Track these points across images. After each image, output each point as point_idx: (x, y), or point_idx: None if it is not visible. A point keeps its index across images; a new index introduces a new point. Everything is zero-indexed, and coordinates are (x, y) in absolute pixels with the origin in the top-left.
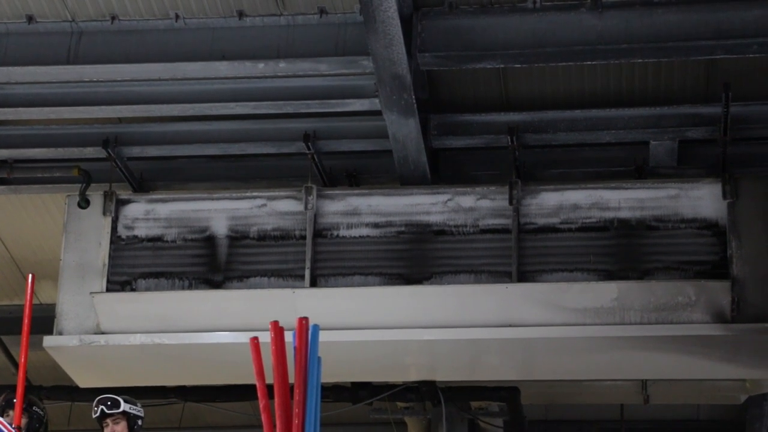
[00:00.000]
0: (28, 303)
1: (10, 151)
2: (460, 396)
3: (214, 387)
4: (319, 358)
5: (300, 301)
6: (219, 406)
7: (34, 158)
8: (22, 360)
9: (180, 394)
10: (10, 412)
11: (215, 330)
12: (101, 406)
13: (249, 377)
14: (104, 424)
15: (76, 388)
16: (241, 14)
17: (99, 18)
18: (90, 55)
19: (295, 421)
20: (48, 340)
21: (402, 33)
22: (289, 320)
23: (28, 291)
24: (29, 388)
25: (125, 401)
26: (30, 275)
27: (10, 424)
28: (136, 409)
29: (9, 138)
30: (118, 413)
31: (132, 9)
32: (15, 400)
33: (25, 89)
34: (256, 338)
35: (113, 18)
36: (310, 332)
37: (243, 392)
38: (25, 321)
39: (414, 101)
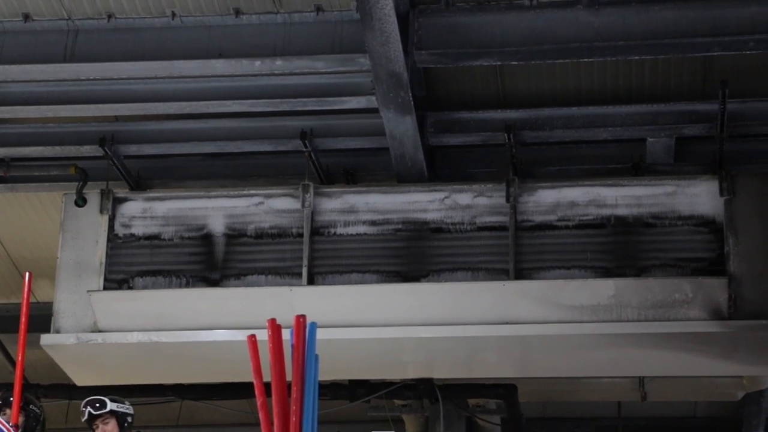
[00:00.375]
0: (25, 301)
1: (6, 149)
2: (457, 393)
3: (212, 385)
4: (316, 356)
5: (297, 298)
6: (216, 404)
7: (31, 156)
8: (20, 358)
9: (177, 392)
10: (8, 411)
11: (213, 328)
12: (88, 408)
13: (246, 375)
14: (94, 426)
15: (74, 386)
16: (237, 12)
17: (95, 16)
18: (86, 54)
19: (293, 418)
20: (45, 339)
21: (399, 30)
22: (286, 318)
23: (25, 289)
24: (26, 386)
25: (112, 400)
26: (27, 273)
27: (8, 423)
28: (124, 407)
29: (6, 136)
30: (106, 413)
31: (128, 7)
32: (12, 399)
33: (21, 87)
34: (253, 336)
35: (110, 16)
36: (307, 330)
37: (240, 390)
38: (23, 319)
39: (411, 99)
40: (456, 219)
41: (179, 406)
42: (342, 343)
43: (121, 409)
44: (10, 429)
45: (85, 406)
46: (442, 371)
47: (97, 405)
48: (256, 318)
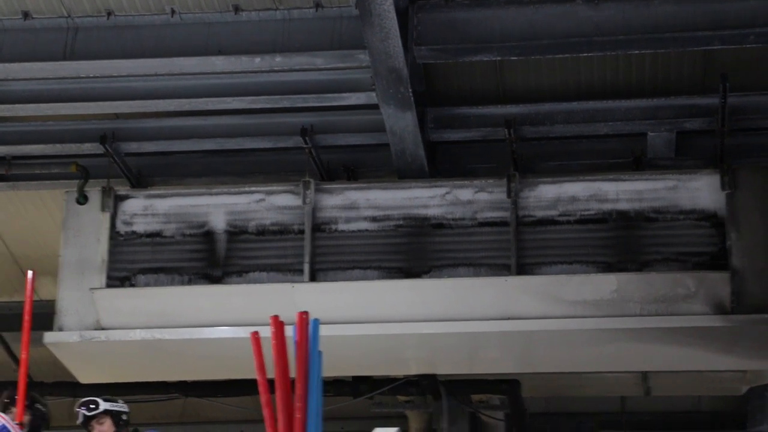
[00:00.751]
0: (28, 299)
1: (8, 147)
2: (460, 389)
3: (215, 382)
4: (319, 352)
5: (299, 295)
6: (220, 401)
7: (32, 155)
8: (23, 357)
9: (181, 389)
10: (13, 410)
11: (215, 325)
12: (82, 410)
13: (250, 372)
14: (90, 428)
15: (78, 383)
16: (236, 9)
17: (95, 14)
18: (86, 51)
19: (297, 415)
20: (48, 336)
21: (398, 26)
22: (288, 315)
23: (28, 287)
24: (30, 384)
25: (105, 400)
26: (30, 272)
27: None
28: (117, 406)
29: (6, 134)
30: (100, 413)
31: (128, 4)
32: (17, 397)
33: (22, 85)
34: (256, 333)
35: (109, 13)
36: (310, 326)
37: (244, 387)
38: (26, 318)
39: (410, 94)
40: (457, 215)
41: (182, 403)
42: (344, 339)
43: (114, 408)
44: (16, 427)
45: (79, 408)
46: (444, 367)
47: (91, 406)
48: (258, 315)
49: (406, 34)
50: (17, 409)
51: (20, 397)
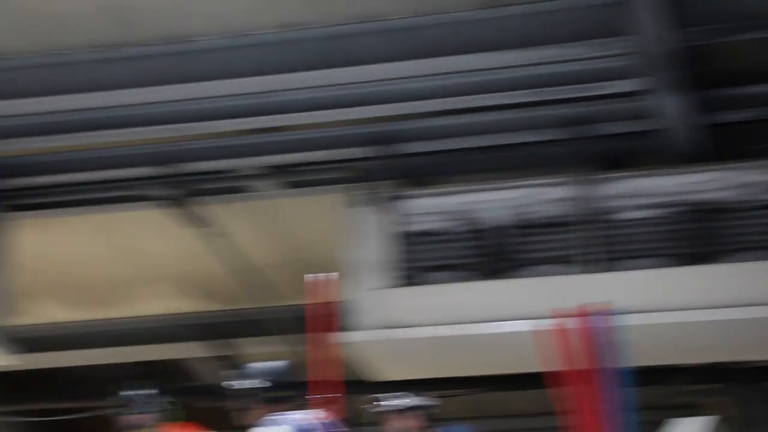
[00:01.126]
0: (330, 302)
1: (290, 155)
2: (760, 376)
3: (508, 376)
4: (624, 343)
5: (582, 286)
6: (513, 395)
7: (311, 161)
8: (335, 356)
9: (475, 383)
10: (325, 408)
11: (502, 320)
12: (390, 404)
13: (538, 365)
14: (395, 423)
15: (368, 382)
16: (489, 5)
17: (353, 21)
18: (349, 58)
19: (603, 407)
20: (344, 336)
21: (664, 7)
22: (572, 306)
23: (328, 290)
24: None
25: (413, 396)
26: (330, 274)
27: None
28: (429, 401)
29: (286, 143)
30: (412, 407)
31: (387, 9)
32: (333, 396)
33: (286, 96)
34: (556, 326)
35: (371, 20)
36: (607, 318)
37: (534, 380)
38: (331, 319)
39: (681, 77)
40: (741, 198)
41: (476, 398)
42: (634, 329)
43: (426, 403)
44: (338, 423)
45: (389, 402)
46: (741, 354)
47: (406, 401)
48: (544, 308)
49: (674, 15)
50: (335, 407)
51: (338, 394)
